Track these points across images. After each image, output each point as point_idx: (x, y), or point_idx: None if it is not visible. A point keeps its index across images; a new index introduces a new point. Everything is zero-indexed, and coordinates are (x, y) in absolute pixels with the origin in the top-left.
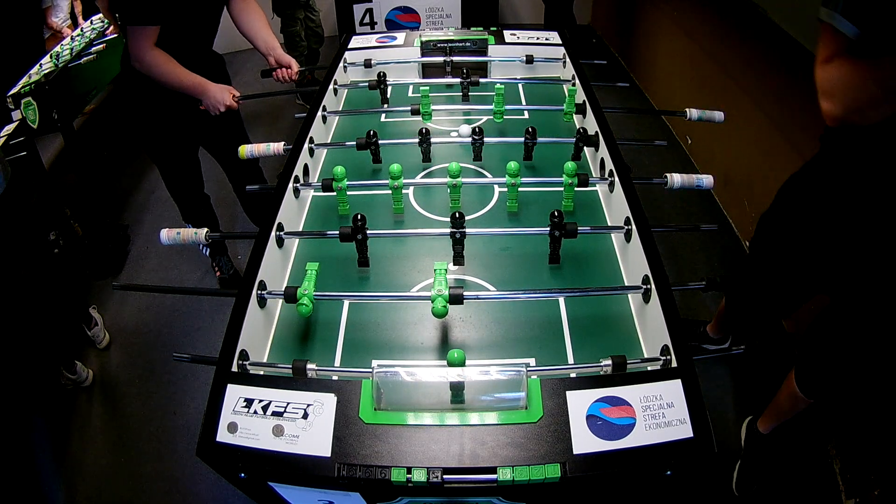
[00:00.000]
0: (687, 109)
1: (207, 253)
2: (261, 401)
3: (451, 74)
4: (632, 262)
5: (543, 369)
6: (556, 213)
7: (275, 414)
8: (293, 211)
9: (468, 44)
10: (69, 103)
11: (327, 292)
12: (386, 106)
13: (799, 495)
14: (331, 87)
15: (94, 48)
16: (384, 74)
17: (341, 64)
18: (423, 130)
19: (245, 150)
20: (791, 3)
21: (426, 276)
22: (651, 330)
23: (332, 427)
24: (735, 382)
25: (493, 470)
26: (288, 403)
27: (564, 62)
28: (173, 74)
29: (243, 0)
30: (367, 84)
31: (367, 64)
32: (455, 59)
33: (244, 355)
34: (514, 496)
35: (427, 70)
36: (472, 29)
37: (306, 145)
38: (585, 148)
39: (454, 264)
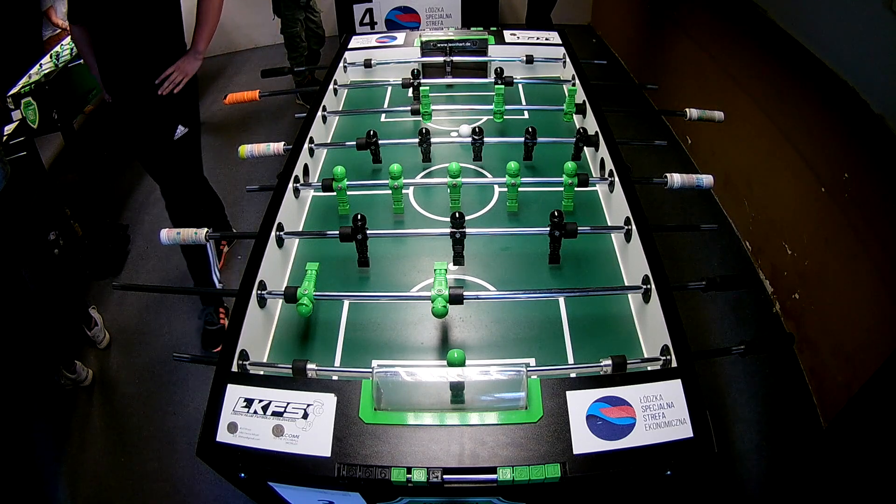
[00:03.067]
0: (687, 109)
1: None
2: (261, 401)
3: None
4: (632, 262)
5: (543, 369)
6: (556, 213)
7: (275, 414)
8: (293, 211)
9: (468, 44)
10: (69, 103)
11: (327, 292)
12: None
13: None
14: (331, 87)
15: None
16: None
17: (341, 64)
18: (423, 130)
19: (245, 150)
20: (791, 3)
21: (426, 276)
22: (651, 330)
23: (332, 427)
24: (735, 382)
25: (493, 470)
26: (288, 403)
27: (564, 62)
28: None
29: None
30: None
31: (367, 64)
32: (455, 58)
33: (244, 355)
34: (514, 496)
35: (427, 70)
36: (472, 29)
37: (306, 145)
38: (585, 148)
39: (454, 264)
